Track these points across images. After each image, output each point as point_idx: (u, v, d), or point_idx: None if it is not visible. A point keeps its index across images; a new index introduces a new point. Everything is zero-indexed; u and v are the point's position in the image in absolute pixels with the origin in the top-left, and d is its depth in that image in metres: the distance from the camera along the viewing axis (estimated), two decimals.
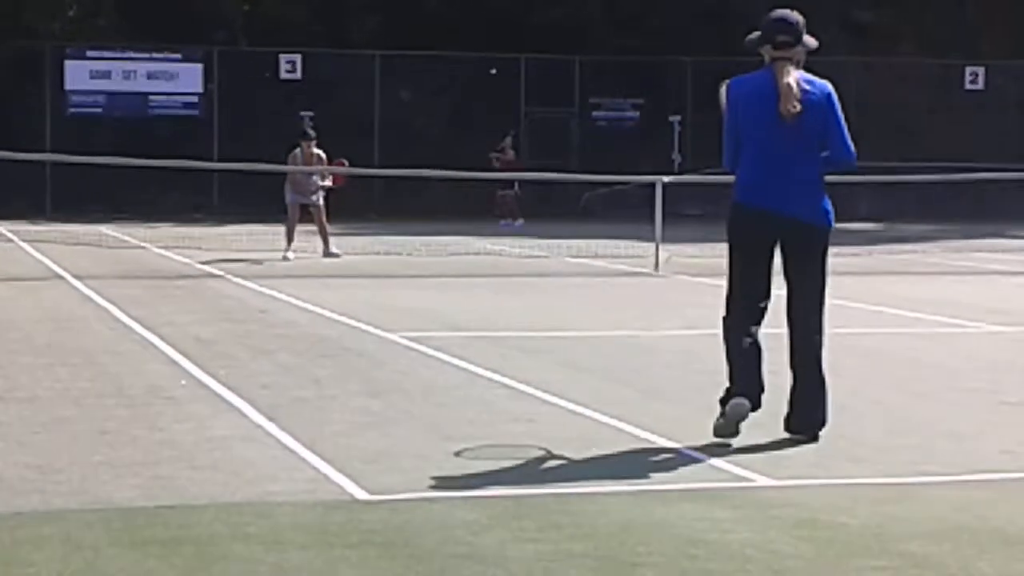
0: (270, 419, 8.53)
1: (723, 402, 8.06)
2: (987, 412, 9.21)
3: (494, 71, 39.13)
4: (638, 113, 42.07)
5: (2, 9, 39.00)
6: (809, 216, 8.16)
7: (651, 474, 7.21)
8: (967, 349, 12.50)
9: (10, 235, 26.87)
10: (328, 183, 23.18)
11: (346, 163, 23.52)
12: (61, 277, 18.50)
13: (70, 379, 10.03)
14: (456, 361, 11.06)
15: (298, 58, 39.43)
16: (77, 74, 38.61)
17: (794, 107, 7.91)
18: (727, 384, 8.11)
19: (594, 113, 41.97)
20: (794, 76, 7.99)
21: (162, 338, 12.24)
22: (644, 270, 20.53)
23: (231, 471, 7.12)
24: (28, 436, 8.02)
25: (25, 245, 24.57)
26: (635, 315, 14.89)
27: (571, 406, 9.11)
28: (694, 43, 38.73)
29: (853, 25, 41.66)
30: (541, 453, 7.71)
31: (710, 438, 8.04)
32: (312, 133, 23.38)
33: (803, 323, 8.25)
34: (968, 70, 42.36)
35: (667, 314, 14.69)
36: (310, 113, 37.30)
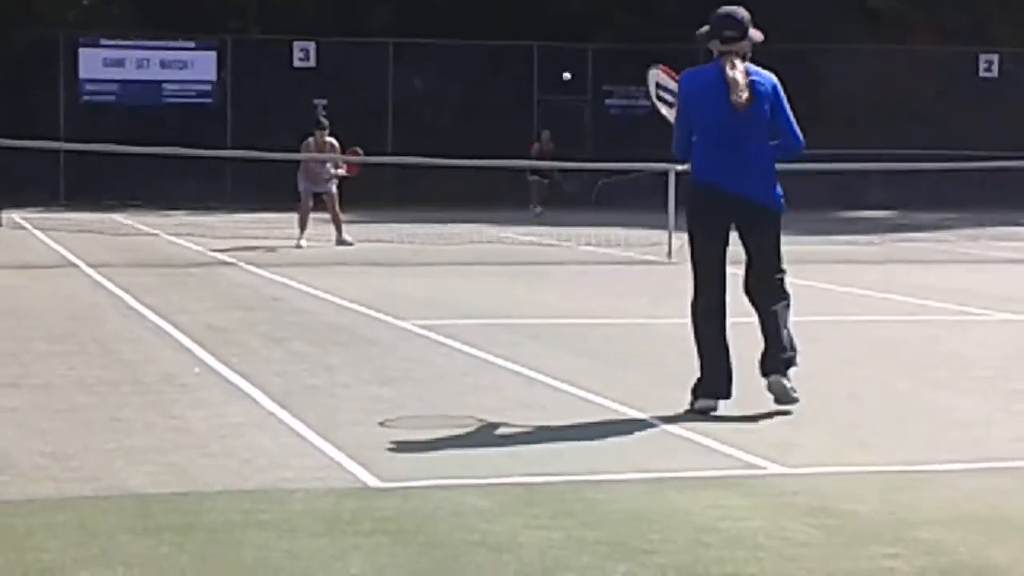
0: (283, 407, 8.55)
1: (694, 392, 8.59)
2: (999, 400, 9.20)
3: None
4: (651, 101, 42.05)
5: None
6: (762, 197, 8.63)
7: (663, 462, 7.22)
8: (979, 337, 12.49)
9: (24, 223, 26.92)
10: (342, 171, 23.20)
11: (360, 152, 23.53)
12: (75, 265, 18.54)
13: (84, 366, 10.06)
14: (468, 349, 11.07)
15: (311, 46, 39.41)
16: (91, 62, 38.64)
17: (742, 97, 8.43)
18: (698, 372, 8.63)
19: (607, 101, 41.92)
20: (740, 69, 8.51)
21: (175, 326, 12.27)
22: (657, 258, 20.52)
23: (244, 458, 7.15)
24: (42, 423, 8.05)
25: (39, 233, 24.62)
26: (648, 303, 14.90)
27: (583, 393, 9.12)
28: None
29: (867, 13, 41.57)
30: (553, 440, 7.72)
31: (721, 425, 8.06)
32: (325, 122, 23.39)
33: (762, 299, 8.71)
34: (982, 58, 42.24)
35: (680, 302, 14.57)
36: (323, 101, 37.32)
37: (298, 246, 22.07)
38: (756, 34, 8.71)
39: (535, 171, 33.33)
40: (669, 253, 20.56)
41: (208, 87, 39.39)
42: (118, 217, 30.08)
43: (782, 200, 8.71)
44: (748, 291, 8.77)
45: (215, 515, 6.05)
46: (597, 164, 33.47)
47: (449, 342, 11.44)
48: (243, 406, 8.64)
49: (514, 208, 33.18)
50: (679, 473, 6.95)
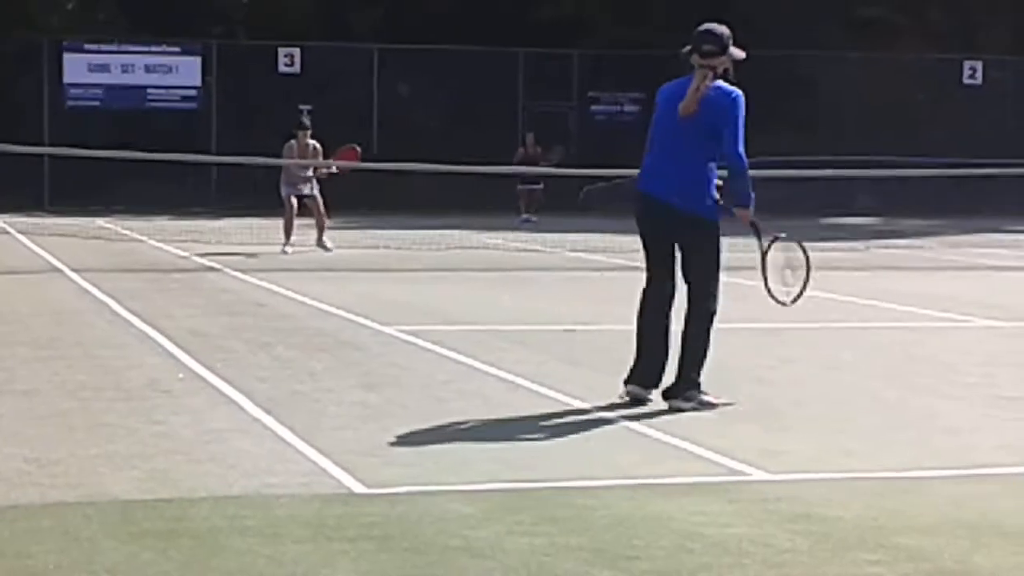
0: (267, 412, 8.54)
1: (626, 382, 9.06)
2: (983, 407, 9.22)
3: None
4: (637, 107, 42.06)
5: (1, 2, 38.97)
6: (688, 206, 8.86)
7: (647, 468, 7.22)
8: (964, 344, 12.52)
9: (8, 228, 26.88)
10: (331, 170, 23.11)
11: (358, 149, 23.39)
12: (59, 270, 18.51)
13: (68, 372, 10.04)
14: (453, 354, 11.07)
15: (297, 51, 39.39)
16: (75, 67, 38.57)
17: (687, 107, 8.76)
18: (632, 360, 9.09)
19: (593, 107, 41.97)
20: (706, 82, 8.79)
21: (160, 331, 12.25)
22: (642, 264, 20.51)
23: (228, 464, 7.14)
24: (26, 429, 8.03)
25: (23, 238, 24.57)
26: (633, 309, 14.87)
27: (567, 399, 9.12)
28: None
29: (854, 20, 41.65)
30: (537, 446, 7.72)
31: (706, 432, 8.07)
32: (307, 123, 23.34)
33: (689, 304, 9.09)
34: (967, 64, 42.34)
35: None
36: (308, 107, 37.30)
37: (284, 252, 22.04)
38: (737, 52, 8.92)
39: (523, 179, 33.22)
40: None
41: (193, 92, 39.34)
42: (103, 222, 30.03)
43: (714, 210, 8.88)
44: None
45: (199, 521, 6.04)
46: (582, 170, 33.51)
47: (434, 348, 11.43)
48: (228, 412, 8.63)
49: (499, 214, 33.16)
50: (663, 479, 6.96)
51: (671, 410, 8.76)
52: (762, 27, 37.45)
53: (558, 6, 40.65)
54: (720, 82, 8.86)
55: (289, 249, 22.20)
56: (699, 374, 8.91)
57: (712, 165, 8.89)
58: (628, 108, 42.14)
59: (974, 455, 7.69)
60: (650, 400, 8.95)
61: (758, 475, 7.11)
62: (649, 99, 38.03)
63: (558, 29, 40.35)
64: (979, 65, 42.30)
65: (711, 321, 9.00)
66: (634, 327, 9.20)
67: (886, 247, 25.90)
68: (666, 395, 8.90)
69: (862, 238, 28.39)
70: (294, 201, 22.73)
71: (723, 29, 8.95)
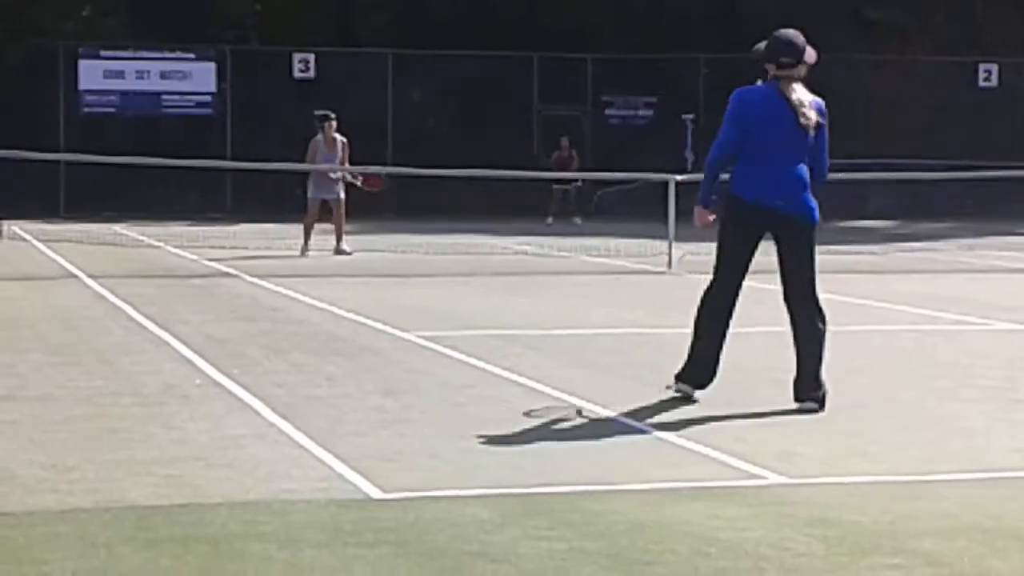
0: (284, 418, 8.54)
1: (679, 376, 9.24)
2: (1000, 410, 9.19)
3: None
4: (651, 111, 42.05)
5: (16, 9, 39.09)
6: (809, 216, 9.01)
7: (663, 472, 7.21)
8: (980, 347, 12.48)
9: (24, 234, 26.92)
10: (358, 181, 23.24)
11: (383, 178, 23.52)
12: (75, 276, 18.54)
13: (84, 378, 10.06)
14: (470, 360, 11.07)
15: (311, 57, 39.45)
16: (91, 74, 38.68)
17: (811, 119, 8.91)
18: (686, 357, 9.21)
19: (607, 111, 41.96)
20: (800, 92, 8.96)
21: (176, 337, 12.26)
22: (657, 268, 20.53)
23: (245, 470, 7.14)
24: (42, 435, 8.04)
25: (39, 244, 24.62)
26: (648, 313, 14.90)
27: (583, 404, 9.11)
28: (707, 41, 38.71)
29: (864, 23, 41.62)
30: (553, 451, 7.72)
31: (722, 435, 8.06)
32: (332, 114, 23.36)
33: (798, 300, 9.11)
34: (982, 67, 42.26)
35: (680, 312, 14.63)
36: (322, 112, 37.33)
37: (304, 255, 22.08)
38: (811, 55, 9.08)
39: (557, 180, 33.69)
40: (669, 263, 20.57)
41: (208, 98, 39.43)
42: (118, 228, 30.08)
43: (816, 212, 9.04)
44: (787, 302, 9.17)
45: (216, 527, 6.04)
46: (597, 174, 33.53)
47: (451, 353, 11.43)
48: (244, 417, 8.63)
49: (515, 219, 33.18)
50: (679, 483, 6.95)
51: (805, 411, 8.84)
52: (772, 30, 37.45)
53: (572, 11, 40.64)
54: (806, 91, 9.06)
55: (309, 252, 22.24)
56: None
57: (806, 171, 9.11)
58: (642, 112, 42.14)
59: (991, 458, 7.67)
60: (696, 401, 9.09)
61: (775, 479, 7.10)
62: (662, 103, 38.23)
63: (571, 34, 40.35)
64: (994, 68, 42.22)
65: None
66: (688, 329, 9.31)
67: (903, 250, 25.84)
68: (800, 396, 8.96)
69: (876, 241, 28.34)
70: (318, 205, 22.79)
71: (801, 39, 9.08)
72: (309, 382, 9.96)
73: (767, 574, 5.46)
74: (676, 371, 9.31)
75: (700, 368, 9.20)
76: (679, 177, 22.95)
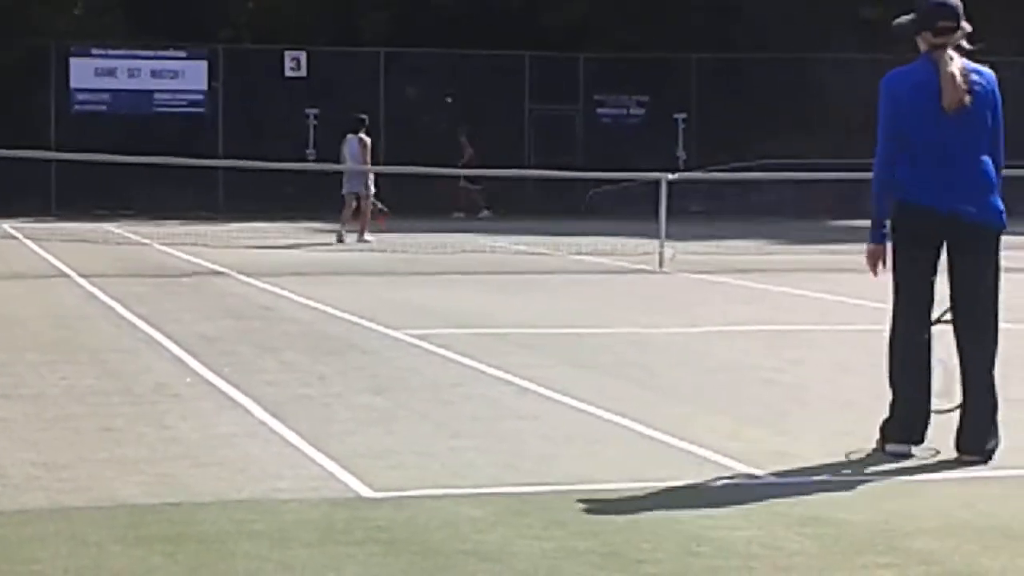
0: (275, 416, 8.53)
1: (883, 432, 7.68)
2: None
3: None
4: (643, 110, 42.03)
5: (8, 7, 39.00)
6: (976, 215, 7.68)
7: (656, 471, 7.20)
8: None
9: (15, 233, 26.90)
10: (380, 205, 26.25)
11: (387, 212, 26.35)
12: (66, 275, 18.51)
13: (75, 376, 10.04)
14: (460, 358, 11.06)
15: (303, 55, 39.38)
16: (82, 72, 38.61)
17: (959, 99, 7.44)
18: (889, 411, 7.71)
19: (599, 110, 41.95)
20: (958, 65, 7.46)
21: (167, 335, 12.25)
22: (648, 267, 20.53)
23: (236, 468, 7.13)
24: (33, 433, 8.03)
25: (30, 243, 24.58)
26: (640, 312, 14.89)
27: (575, 403, 9.11)
28: (699, 40, 38.72)
29: (860, 22, 41.62)
30: (546, 450, 7.71)
31: (714, 435, 8.06)
32: (366, 118, 26.34)
33: (972, 332, 7.75)
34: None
35: (671, 311, 14.68)
36: (315, 111, 37.33)
37: (364, 241, 24.71)
38: (966, 24, 7.58)
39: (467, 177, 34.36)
40: (660, 263, 20.56)
41: (199, 96, 39.37)
42: (110, 227, 30.03)
43: (1003, 215, 7.87)
44: (954, 324, 7.83)
45: (207, 525, 6.04)
46: (588, 173, 33.52)
47: (442, 351, 11.42)
48: (235, 416, 8.63)
49: (507, 217, 33.18)
50: (671, 482, 6.94)
51: (967, 463, 7.47)
52: (770, 30, 37.53)
53: (565, 10, 40.64)
54: (975, 64, 7.56)
55: (369, 236, 24.73)
56: None
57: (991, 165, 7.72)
58: (634, 111, 42.13)
59: None
60: (913, 456, 7.57)
61: (766, 478, 7.10)
62: (654, 101, 38.15)
63: (564, 32, 40.35)
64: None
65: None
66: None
67: None
68: (964, 447, 7.54)
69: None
70: (353, 198, 25.54)
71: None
72: (300, 381, 9.95)
73: (758, 573, 5.46)
74: (880, 423, 7.74)
75: (912, 423, 7.65)
76: (671, 176, 22.97)
